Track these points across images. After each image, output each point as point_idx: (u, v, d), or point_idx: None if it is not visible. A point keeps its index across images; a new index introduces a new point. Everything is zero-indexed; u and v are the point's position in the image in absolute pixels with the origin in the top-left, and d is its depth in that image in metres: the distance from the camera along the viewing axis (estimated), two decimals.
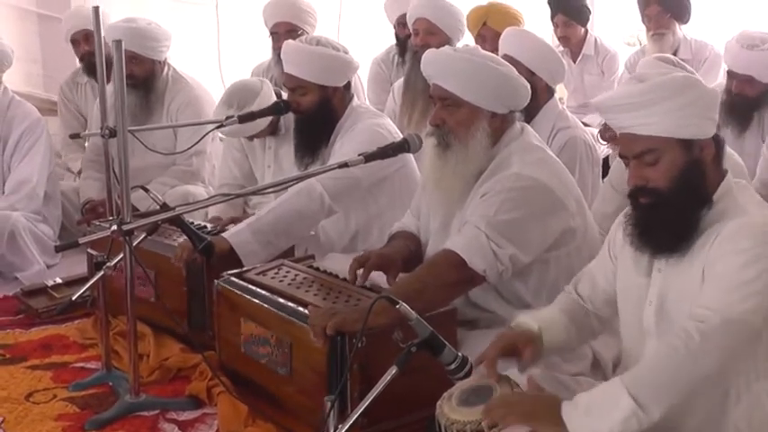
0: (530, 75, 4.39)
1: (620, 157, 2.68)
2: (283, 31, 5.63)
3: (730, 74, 4.88)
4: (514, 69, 3.49)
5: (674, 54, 6.04)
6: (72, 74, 6.46)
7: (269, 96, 4.56)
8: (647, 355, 2.47)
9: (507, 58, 4.45)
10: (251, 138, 4.77)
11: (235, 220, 4.36)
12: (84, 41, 6.12)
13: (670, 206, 2.56)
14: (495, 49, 5.40)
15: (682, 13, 6.45)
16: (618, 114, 2.61)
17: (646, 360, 2.46)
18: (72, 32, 6.18)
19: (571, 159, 4.35)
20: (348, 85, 4.37)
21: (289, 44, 4.38)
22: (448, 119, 3.39)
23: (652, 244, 2.62)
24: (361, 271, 3.43)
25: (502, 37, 4.69)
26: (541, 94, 4.46)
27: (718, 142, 2.62)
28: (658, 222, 2.59)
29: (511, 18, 5.86)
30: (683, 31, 6.54)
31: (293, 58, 4.29)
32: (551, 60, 4.57)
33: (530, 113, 4.43)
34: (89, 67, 6.13)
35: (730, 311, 2.40)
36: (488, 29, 5.81)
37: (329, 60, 4.26)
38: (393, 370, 2.61)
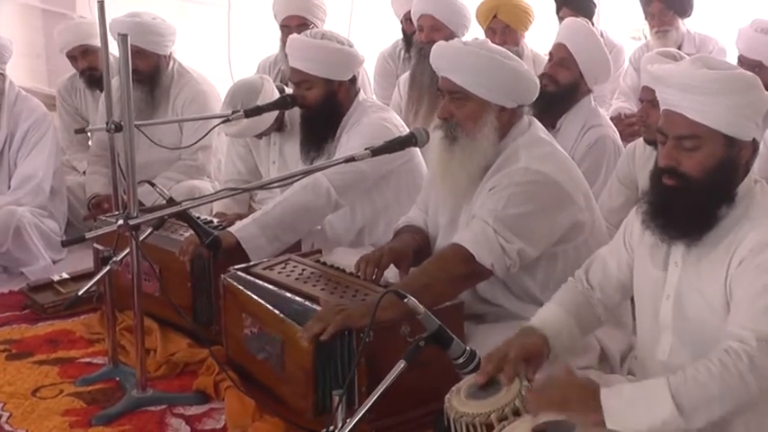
0: (579, 75, 4.45)
1: (659, 132, 2.63)
2: (294, 25, 5.60)
3: (740, 60, 4.88)
4: (524, 63, 3.49)
5: (678, 48, 6.02)
6: (69, 78, 6.37)
7: (271, 93, 4.55)
8: (698, 366, 2.43)
9: (562, 47, 4.47)
10: (259, 136, 4.77)
11: (241, 217, 4.36)
12: (81, 57, 6.07)
13: (693, 195, 2.55)
14: (504, 42, 5.42)
15: (684, 8, 6.43)
16: (676, 91, 2.58)
17: (696, 370, 2.42)
18: (67, 49, 6.10)
19: (599, 158, 4.36)
20: (354, 79, 4.36)
21: (294, 38, 4.38)
22: (456, 112, 3.38)
23: (663, 226, 2.62)
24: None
25: (566, 27, 4.69)
26: (581, 93, 4.48)
27: (754, 146, 2.61)
28: (676, 207, 2.58)
29: (521, 11, 5.86)
30: (686, 25, 6.53)
31: (298, 52, 4.29)
32: (603, 68, 4.58)
33: (563, 108, 4.44)
34: (90, 81, 6.10)
35: (764, 332, 2.40)
36: (499, 21, 5.80)
37: (334, 54, 4.26)
38: (401, 364, 2.61)
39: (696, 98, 2.53)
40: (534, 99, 3.51)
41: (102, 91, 5.53)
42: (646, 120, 3.79)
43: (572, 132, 4.43)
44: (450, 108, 3.40)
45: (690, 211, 2.56)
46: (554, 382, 2.54)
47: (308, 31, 4.45)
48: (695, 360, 2.49)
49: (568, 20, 4.81)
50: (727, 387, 2.38)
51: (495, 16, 5.83)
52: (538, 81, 3.51)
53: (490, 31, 5.83)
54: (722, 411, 2.41)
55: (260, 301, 3.44)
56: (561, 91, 4.45)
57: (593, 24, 6.89)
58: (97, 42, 5.72)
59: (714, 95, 2.52)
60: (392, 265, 3.48)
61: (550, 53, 4.65)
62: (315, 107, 4.30)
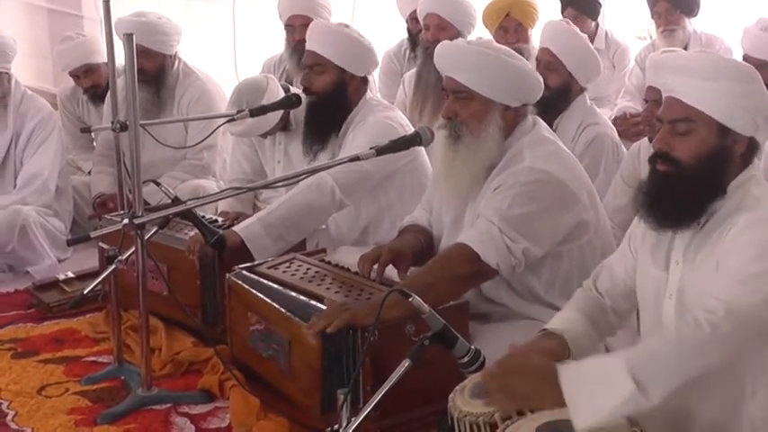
0: (568, 76, 4.43)
1: (658, 120, 2.66)
2: (298, 25, 5.63)
3: (745, 59, 4.88)
4: (528, 63, 3.49)
5: (685, 48, 6.02)
6: (71, 88, 6.33)
7: (276, 92, 4.55)
8: (653, 339, 2.48)
9: (546, 51, 4.48)
10: (264, 135, 4.77)
11: (242, 215, 4.36)
12: (84, 76, 6.04)
13: (684, 181, 2.56)
14: (518, 41, 5.44)
15: (690, 8, 6.44)
16: (674, 75, 2.60)
17: (652, 344, 2.45)
18: (69, 69, 6.08)
19: (597, 156, 4.37)
20: (365, 80, 4.36)
21: (316, 23, 4.44)
22: (460, 111, 3.38)
23: (657, 215, 2.62)
24: (376, 266, 3.43)
25: (547, 30, 4.70)
26: (574, 92, 4.47)
27: (752, 145, 2.61)
28: (668, 194, 2.58)
29: (532, 9, 5.89)
30: (692, 25, 6.53)
31: (319, 36, 4.30)
32: (591, 65, 4.59)
33: (559, 108, 4.45)
34: (93, 97, 6.07)
35: (738, 303, 2.38)
36: (511, 20, 5.82)
37: (354, 44, 4.28)
38: (406, 363, 2.61)
39: (693, 82, 2.55)
40: (539, 98, 3.51)
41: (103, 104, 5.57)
42: (651, 119, 3.79)
43: (569, 132, 4.43)
44: (454, 107, 3.40)
45: (680, 200, 2.57)
46: (513, 372, 2.49)
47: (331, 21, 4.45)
48: None
49: (548, 23, 4.81)
50: (685, 357, 2.35)
51: (507, 15, 5.85)
52: (542, 79, 3.51)
53: (502, 30, 5.84)
54: (682, 382, 2.37)
55: (266, 299, 3.45)
56: (553, 94, 4.46)
57: (598, 24, 6.94)
58: (99, 59, 5.80)
59: (711, 80, 2.53)
60: (391, 265, 3.48)
61: (537, 58, 4.65)
62: (322, 95, 4.29)
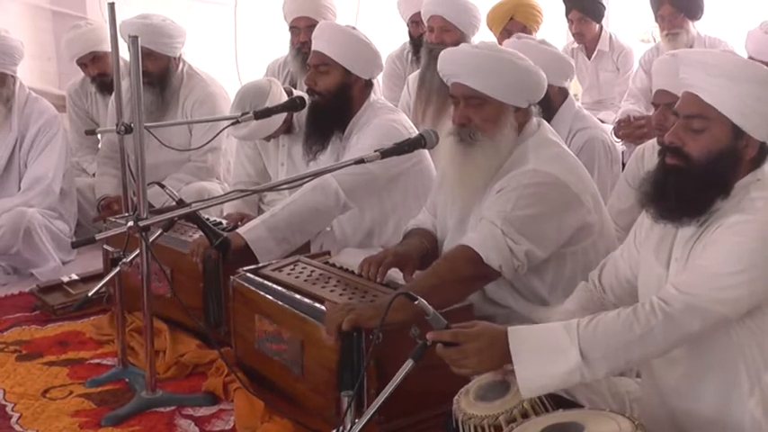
0: None
1: (674, 114, 2.68)
2: (303, 26, 5.66)
3: None
4: (532, 62, 3.49)
5: None
6: (80, 82, 6.37)
7: (279, 95, 4.56)
8: (608, 315, 2.53)
9: None
10: (268, 138, 4.77)
11: (245, 218, 4.36)
12: (91, 64, 6.06)
13: (691, 177, 2.58)
14: None
15: (694, 11, 6.44)
16: (694, 70, 2.61)
17: (605, 320, 2.51)
18: (76, 58, 6.09)
19: (590, 160, 4.35)
20: (370, 84, 4.36)
21: (324, 23, 4.46)
22: (474, 117, 3.37)
23: (660, 206, 2.64)
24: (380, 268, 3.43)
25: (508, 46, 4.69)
26: (555, 97, 4.44)
27: (763, 149, 2.62)
28: (674, 187, 2.60)
29: (537, 12, 5.92)
30: (696, 28, 6.53)
31: (326, 36, 4.30)
32: (559, 65, 4.52)
33: (546, 117, 4.42)
34: (101, 86, 6.09)
35: (698, 299, 2.46)
36: (516, 23, 5.85)
37: (361, 47, 4.28)
38: (409, 363, 2.61)
39: (711, 80, 2.56)
40: (542, 96, 3.51)
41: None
42: (663, 122, 3.76)
43: None
44: (467, 113, 3.37)
45: (685, 194, 2.58)
46: (469, 348, 2.57)
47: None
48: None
49: (509, 43, 4.79)
50: (633, 342, 2.46)
51: (511, 18, 5.85)
52: (545, 76, 3.51)
53: (506, 33, 5.84)
54: (629, 363, 2.52)
55: (277, 301, 3.45)
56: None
57: (602, 27, 6.95)
58: (106, 48, 5.80)
59: (729, 79, 2.54)
60: (397, 269, 3.48)
61: None
62: (326, 95, 4.29)
